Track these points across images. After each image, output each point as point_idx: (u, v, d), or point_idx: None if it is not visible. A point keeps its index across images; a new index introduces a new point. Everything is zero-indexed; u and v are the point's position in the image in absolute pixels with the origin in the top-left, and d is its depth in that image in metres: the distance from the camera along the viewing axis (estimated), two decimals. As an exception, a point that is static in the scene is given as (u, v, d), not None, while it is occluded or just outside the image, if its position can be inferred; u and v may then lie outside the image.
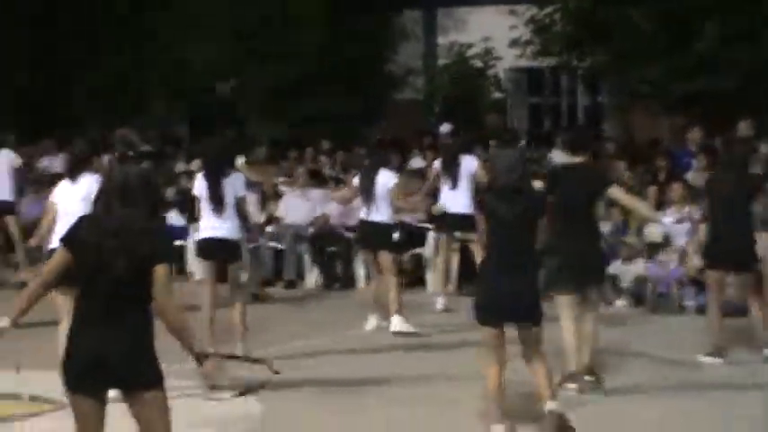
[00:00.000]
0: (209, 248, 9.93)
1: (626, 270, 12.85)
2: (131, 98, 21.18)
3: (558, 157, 13.27)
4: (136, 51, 20.99)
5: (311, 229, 14.87)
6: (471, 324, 7.88)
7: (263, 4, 19.70)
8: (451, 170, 12.42)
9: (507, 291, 7.33)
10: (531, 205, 7.55)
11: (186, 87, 20.49)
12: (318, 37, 19.32)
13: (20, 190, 15.21)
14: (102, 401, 5.24)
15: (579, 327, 8.69)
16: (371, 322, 11.37)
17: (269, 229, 15.11)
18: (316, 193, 15.34)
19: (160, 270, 5.16)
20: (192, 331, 5.28)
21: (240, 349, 9.71)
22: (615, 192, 8.99)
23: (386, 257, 11.13)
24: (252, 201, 12.64)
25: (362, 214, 11.27)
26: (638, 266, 12.86)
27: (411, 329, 11.01)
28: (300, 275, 14.77)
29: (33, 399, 8.43)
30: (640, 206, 10.03)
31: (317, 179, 16.05)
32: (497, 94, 21.87)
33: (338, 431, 7.83)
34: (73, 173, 8.94)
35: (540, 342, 7.52)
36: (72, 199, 8.68)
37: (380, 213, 11.08)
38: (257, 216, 14.41)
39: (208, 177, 9.95)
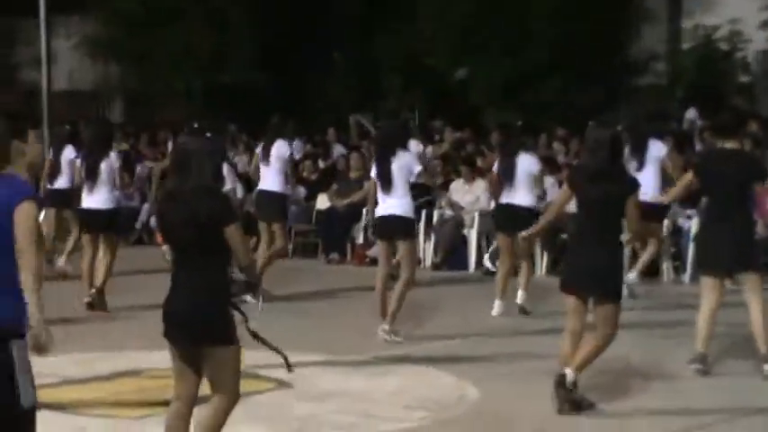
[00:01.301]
0: (381, 227, 10.21)
1: None
2: (367, 86, 21.55)
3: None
4: (370, 39, 21.34)
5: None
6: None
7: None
8: (639, 152, 11.95)
9: (585, 266, 7.49)
10: (616, 188, 7.48)
11: (420, 75, 20.66)
12: (557, 24, 19.05)
13: None
14: (190, 354, 5.73)
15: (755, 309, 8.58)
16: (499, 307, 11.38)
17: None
18: (547, 180, 15.06)
19: (228, 230, 5.57)
20: (254, 270, 5.84)
21: (385, 326, 9.98)
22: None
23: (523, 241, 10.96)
24: None
25: (503, 198, 11.32)
26: None
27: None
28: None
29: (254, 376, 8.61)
30: None
31: (549, 166, 15.78)
32: (744, 79, 21.00)
33: (554, 417, 7.62)
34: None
35: (610, 320, 7.52)
36: None
37: (520, 197, 11.11)
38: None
39: (378, 157, 10.24)
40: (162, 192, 6.13)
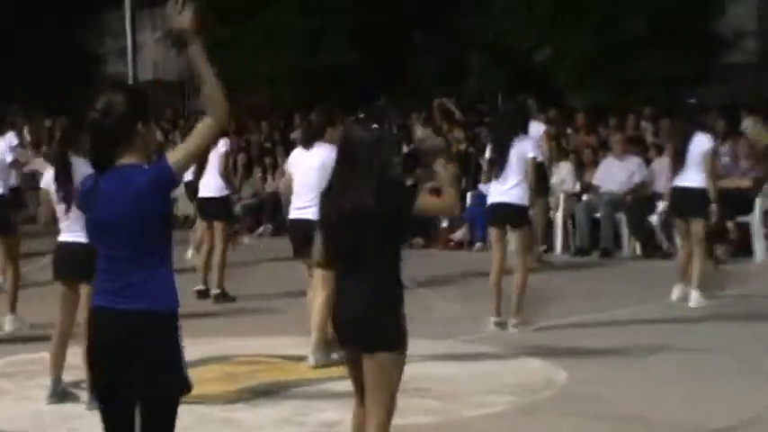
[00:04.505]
0: (494, 215, 9.91)
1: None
2: (450, 67, 21.44)
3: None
4: (454, 18, 21.21)
5: (629, 197, 14.45)
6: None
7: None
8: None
9: None
10: None
11: (502, 56, 20.46)
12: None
13: None
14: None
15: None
16: (676, 292, 10.81)
17: (584, 197, 14.84)
18: (634, 160, 14.87)
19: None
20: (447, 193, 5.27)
21: (512, 317, 9.72)
22: None
23: (697, 225, 10.55)
24: None
25: (675, 180, 10.67)
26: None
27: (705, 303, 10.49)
28: (618, 244, 14.42)
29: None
30: None
31: (638, 146, 15.56)
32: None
33: (641, 402, 7.50)
34: (307, 141, 8.88)
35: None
36: (306, 167, 8.64)
37: (692, 179, 10.47)
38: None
39: (494, 142, 9.95)
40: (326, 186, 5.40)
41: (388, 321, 5.17)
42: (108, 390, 4.39)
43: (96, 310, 4.39)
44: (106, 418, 4.43)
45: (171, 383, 4.35)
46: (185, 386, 4.38)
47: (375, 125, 5.33)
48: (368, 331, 5.13)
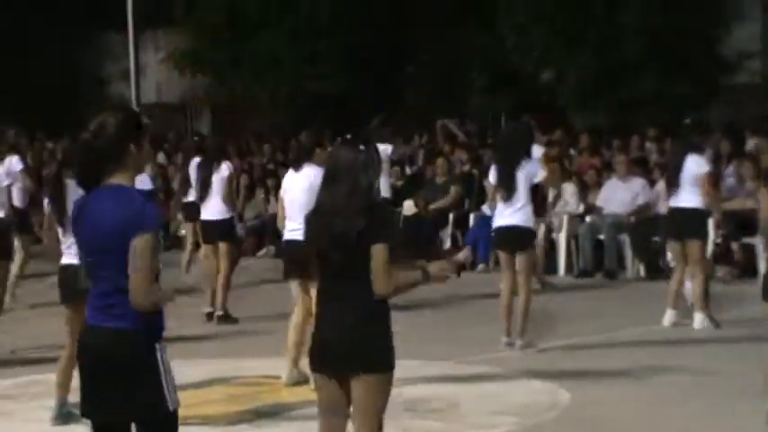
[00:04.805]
0: (502, 238, 9.85)
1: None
2: (452, 88, 21.49)
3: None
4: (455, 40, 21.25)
5: (632, 219, 14.42)
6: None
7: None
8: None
9: None
10: None
11: (507, 77, 20.48)
12: (641, 20, 18.74)
13: None
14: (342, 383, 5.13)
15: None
16: (668, 318, 10.71)
17: (588, 218, 14.81)
18: (638, 181, 14.84)
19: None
20: (399, 278, 5.05)
21: (517, 338, 9.68)
22: None
23: (694, 246, 10.47)
24: None
25: (671, 201, 10.61)
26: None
27: (712, 326, 10.43)
28: (621, 266, 14.37)
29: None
30: None
31: (642, 167, 15.52)
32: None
33: (644, 423, 7.46)
34: (296, 163, 8.86)
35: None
36: (295, 189, 8.62)
37: (687, 199, 10.38)
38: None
39: (499, 163, 9.86)
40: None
41: (378, 342, 5.06)
42: (93, 406, 4.40)
43: (86, 327, 4.48)
44: None
45: (149, 403, 4.36)
46: (164, 406, 4.38)
47: (362, 146, 5.25)
48: (358, 353, 5.01)
